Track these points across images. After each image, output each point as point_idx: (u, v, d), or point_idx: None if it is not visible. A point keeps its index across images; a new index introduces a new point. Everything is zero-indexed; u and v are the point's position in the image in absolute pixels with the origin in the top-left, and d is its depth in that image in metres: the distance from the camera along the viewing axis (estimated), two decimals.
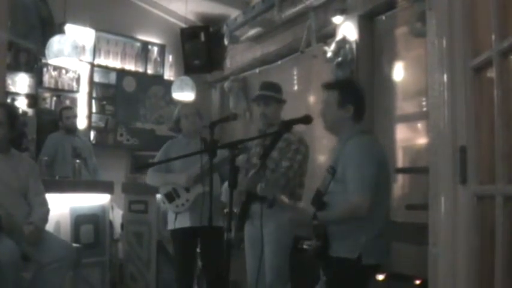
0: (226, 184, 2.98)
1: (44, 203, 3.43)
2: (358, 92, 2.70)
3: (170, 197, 3.65)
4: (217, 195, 3.39)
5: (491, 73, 1.47)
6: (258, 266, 2.96)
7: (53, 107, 6.12)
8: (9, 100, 5.55)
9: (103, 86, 6.68)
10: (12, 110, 3.76)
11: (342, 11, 4.63)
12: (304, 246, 2.61)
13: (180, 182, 3.58)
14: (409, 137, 4.46)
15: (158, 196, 4.86)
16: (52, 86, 6.16)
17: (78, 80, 6.38)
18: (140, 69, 7.03)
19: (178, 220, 3.67)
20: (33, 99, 5.97)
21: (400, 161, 4.42)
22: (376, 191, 2.43)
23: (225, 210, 3.69)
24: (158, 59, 7.17)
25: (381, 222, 2.51)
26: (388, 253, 2.60)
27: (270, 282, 3.09)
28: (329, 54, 4.67)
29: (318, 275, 2.65)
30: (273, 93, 3.31)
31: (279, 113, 3.34)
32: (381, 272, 3.07)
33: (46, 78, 6.11)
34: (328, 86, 2.72)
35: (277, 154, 3.11)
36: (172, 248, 3.94)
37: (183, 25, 6.83)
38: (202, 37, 6.62)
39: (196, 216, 3.45)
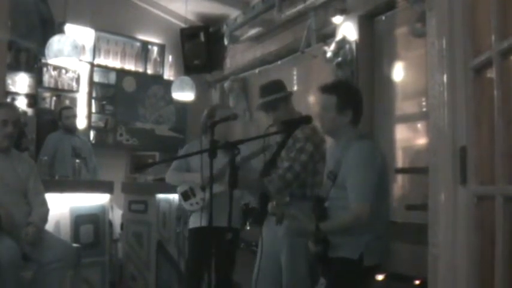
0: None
1: (44, 203, 3.43)
2: (356, 96, 2.64)
3: (186, 195, 3.68)
4: (237, 196, 3.36)
5: (491, 73, 1.47)
6: (258, 267, 2.95)
7: (52, 107, 6.13)
8: (9, 100, 5.56)
9: (103, 86, 6.68)
10: (18, 110, 3.91)
11: (342, 11, 4.62)
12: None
13: (197, 181, 3.58)
14: (409, 137, 4.45)
15: (158, 196, 4.88)
16: (52, 85, 6.17)
17: (78, 79, 6.38)
18: (140, 69, 7.03)
19: (192, 220, 3.70)
20: (33, 99, 5.98)
21: (400, 161, 4.42)
22: (376, 195, 2.43)
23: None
24: (158, 58, 7.17)
25: (381, 223, 2.51)
26: (388, 253, 2.60)
27: (286, 284, 3.07)
28: (329, 55, 4.67)
29: (317, 275, 2.65)
30: (275, 96, 3.19)
31: (291, 106, 3.25)
32: (380, 272, 3.06)
33: (46, 78, 6.12)
34: (325, 90, 2.62)
35: (284, 153, 3.02)
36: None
37: (183, 25, 6.83)
38: (202, 37, 6.63)
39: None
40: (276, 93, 3.20)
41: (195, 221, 3.66)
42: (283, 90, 3.26)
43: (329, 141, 3.00)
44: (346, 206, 2.44)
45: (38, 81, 6.03)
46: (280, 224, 2.68)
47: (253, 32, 6.09)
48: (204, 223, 3.54)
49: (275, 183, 3.00)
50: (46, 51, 4.66)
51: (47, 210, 3.41)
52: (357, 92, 2.67)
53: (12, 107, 3.82)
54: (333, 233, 2.47)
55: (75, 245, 3.61)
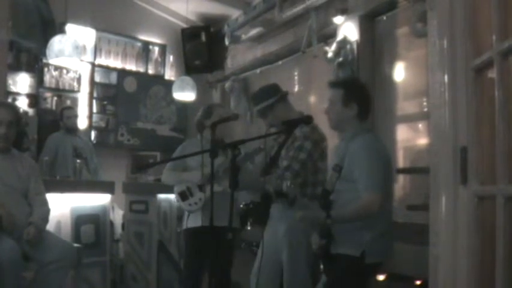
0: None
1: (45, 203, 3.43)
2: (362, 91, 2.71)
3: (184, 195, 3.61)
4: (236, 196, 3.35)
5: (492, 73, 1.47)
6: (258, 267, 2.95)
7: (53, 107, 6.14)
8: (10, 100, 5.57)
9: (104, 86, 6.69)
10: (18, 110, 3.84)
11: (343, 11, 4.63)
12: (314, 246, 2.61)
13: (195, 180, 3.56)
14: (410, 137, 4.46)
15: (159, 196, 4.88)
16: (53, 85, 6.18)
17: (79, 80, 6.39)
18: (141, 69, 7.04)
19: (190, 219, 3.66)
20: (34, 99, 5.98)
21: (401, 162, 4.42)
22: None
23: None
24: (159, 59, 7.18)
25: (384, 220, 2.52)
26: (390, 251, 2.60)
27: (287, 284, 3.07)
28: (330, 55, 4.67)
29: (318, 274, 2.65)
30: (265, 103, 3.18)
31: (287, 107, 3.23)
32: (381, 272, 3.06)
33: (47, 78, 6.13)
34: (333, 84, 2.74)
35: (284, 152, 3.01)
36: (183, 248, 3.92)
37: (184, 25, 6.84)
38: (203, 37, 6.63)
39: (209, 216, 3.42)
40: (266, 101, 3.18)
41: (193, 221, 3.63)
42: (273, 95, 3.22)
43: (334, 140, 3.01)
44: (351, 199, 2.45)
45: (39, 81, 6.04)
46: (291, 205, 2.69)
47: (254, 32, 6.09)
48: (202, 223, 3.54)
49: (274, 183, 3.01)
50: (47, 51, 4.67)
51: (47, 211, 3.41)
52: (363, 87, 2.75)
53: (6, 107, 3.61)
54: (345, 221, 2.48)
55: (76, 245, 3.60)
